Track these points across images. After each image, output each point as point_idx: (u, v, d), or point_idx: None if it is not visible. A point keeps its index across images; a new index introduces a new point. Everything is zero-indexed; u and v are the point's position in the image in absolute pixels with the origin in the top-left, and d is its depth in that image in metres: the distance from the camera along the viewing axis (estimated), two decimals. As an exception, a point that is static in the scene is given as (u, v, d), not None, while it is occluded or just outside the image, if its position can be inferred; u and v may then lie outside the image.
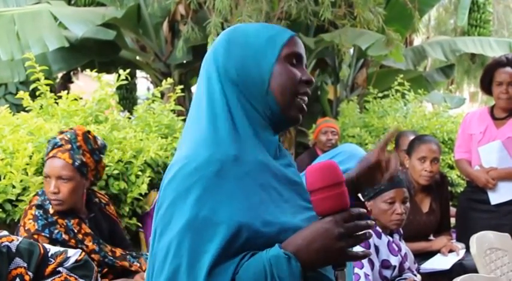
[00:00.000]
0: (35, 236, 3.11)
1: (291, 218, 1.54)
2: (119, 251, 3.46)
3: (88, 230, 3.33)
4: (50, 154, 3.30)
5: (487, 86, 4.77)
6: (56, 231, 3.21)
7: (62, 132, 3.43)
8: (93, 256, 3.27)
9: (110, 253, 3.39)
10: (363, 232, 1.46)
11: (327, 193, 1.45)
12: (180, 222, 1.46)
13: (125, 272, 3.45)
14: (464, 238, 4.36)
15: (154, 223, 1.58)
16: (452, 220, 4.96)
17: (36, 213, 3.22)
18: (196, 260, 1.44)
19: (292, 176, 1.66)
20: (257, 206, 1.49)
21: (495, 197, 4.64)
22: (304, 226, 1.49)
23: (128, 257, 3.49)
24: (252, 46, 1.63)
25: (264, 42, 1.63)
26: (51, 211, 3.25)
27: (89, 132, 3.48)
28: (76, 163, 3.30)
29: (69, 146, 3.32)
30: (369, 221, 1.48)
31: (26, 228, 3.17)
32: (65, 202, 3.26)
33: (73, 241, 3.24)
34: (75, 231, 3.27)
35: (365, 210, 1.50)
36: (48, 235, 3.17)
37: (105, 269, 3.37)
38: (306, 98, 1.66)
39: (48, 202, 3.28)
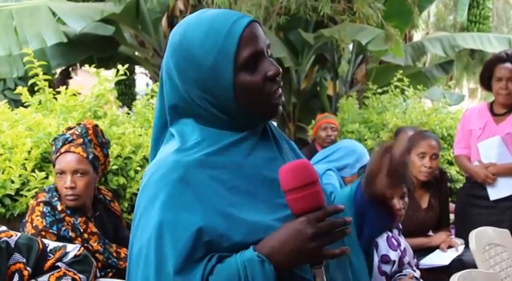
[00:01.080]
0: (43, 233, 3.09)
1: (263, 219, 1.50)
2: (123, 252, 3.45)
3: (94, 230, 3.31)
4: (62, 150, 3.26)
5: (486, 81, 4.78)
6: (64, 228, 3.19)
7: (70, 128, 3.39)
8: (97, 256, 3.26)
9: (114, 254, 3.38)
10: (340, 229, 1.44)
11: (300, 193, 1.43)
12: (148, 230, 1.47)
13: None
14: (463, 234, 4.36)
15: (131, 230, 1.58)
16: (451, 216, 4.96)
17: (44, 210, 3.19)
18: (162, 268, 1.43)
19: (270, 173, 1.57)
20: (221, 210, 1.46)
21: (494, 193, 4.65)
22: (277, 226, 1.47)
23: None
24: (205, 65, 1.52)
25: (215, 57, 1.51)
26: (59, 208, 3.23)
27: (97, 125, 3.46)
28: (90, 157, 3.28)
29: (81, 140, 3.30)
30: (346, 218, 1.45)
31: (34, 225, 3.14)
32: (81, 196, 3.24)
33: (79, 239, 3.22)
34: (81, 230, 3.25)
35: (342, 206, 1.47)
36: (56, 232, 3.15)
37: (110, 274, 3.36)
38: (279, 92, 1.57)
39: (56, 198, 3.25)
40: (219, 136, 1.56)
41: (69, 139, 3.29)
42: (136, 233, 1.51)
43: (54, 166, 3.31)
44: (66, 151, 3.25)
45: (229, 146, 1.55)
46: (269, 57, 1.58)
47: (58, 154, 3.27)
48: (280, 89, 1.58)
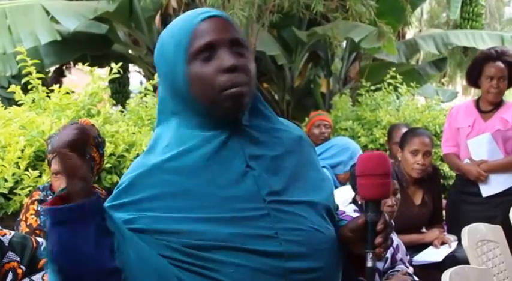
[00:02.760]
0: (37, 232, 3.09)
1: (210, 228, 1.45)
2: None
3: None
4: None
5: (474, 79, 4.76)
6: None
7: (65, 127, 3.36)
8: None
9: None
10: None
11: (378, 180, 1.54)
12: None
13: None
14: (456, 231, 4.38)
15: None
16: (445, 213, 4.97)
17: (39, 208, 3.19)
18: None
19: (231, 178, 1.53)
20: (164, 214, 1.47)
21: (486, 190, 4.65)
22: (227, 231, 1.45)
23: None
24: (169, 59, 1.55)
25: (174, 51, 1.53)
26: None
27: (93, 125, 3.45)
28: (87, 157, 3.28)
29: None
30: None
31: (28, 223, 3.14)
32: None
33: None
34: None
35: None
36: None
37: None
38: (235, 85, 1.50)
39: (50, 197, 3.25)
40: (187, 138, 1.55)
41: None
42: None
43: (49, 165, 3.29)
44: None
45: (189, 149, 1.53)
46: (238, 50, 1.54)
47: (54, 153, 3.26)
48: (240, 85, 1.50)
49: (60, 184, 3.20)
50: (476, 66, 4.72)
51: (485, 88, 4.64)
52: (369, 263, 1.52)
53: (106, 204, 1.50)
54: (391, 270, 3.37)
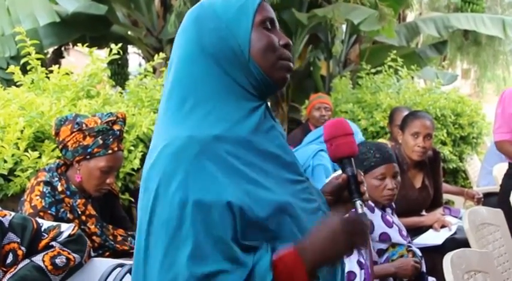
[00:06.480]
0: (41, 214, 3.07)
1: (278, 195, 1.50)
2: (120, 235, 3.44)
3: (93, 212, 3.29)
4: (115, 148, 3.25)
5: None
6: (62, 210, 3.18)
7: (113, 122, 3.29)
8: (94, 238, 3.25)
9: (111, 237, 3.37)
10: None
11: (344, 140, 1.72)
12: (166, 210, 1.40)
13: (126, 252, 3.44)
14: None
15: (139, 209, 1.51)
16: (445, 196, 4.95)
17: (44, 190, 3.16)
18: (205, 246, 1.38)
19: (276, 149, 1.59)
20: (242, 187, 1.44)
21: None
22: (291, 200, 1.51)
23: (129, 239, 3.47)
24: (224, 18, 1.58)
25: (235, 12, 1.58)
26: (59, 188, 3.21)
27: None
28: None
29: (122, 135, 3.35)
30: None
31: (33, 204, 3.11)
32: None
33: (77, 221, 3.21)
34: (80, 212, 3.24)
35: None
36: (54, 213, 3.12)
37: (107, 253, 3.35)
38: (289, 61, 1.63)
39: (56, 179, 3.23)
40: (226, 109, 1.54)
41: (117, 135, 3.28)
42: (152, 213, 1.43)
43: (88, 156, 3.22)
44: (119, 150, 3.28)
45: (237, 121, 1.53)
46: None
47: (110, 151, 3.24)
48: (291, 61, 1.64)
49: (105, 180, 3.24)
50: None
51: None
52: (360, 210, 1.67)
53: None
54: (409, 248, 3.39)
